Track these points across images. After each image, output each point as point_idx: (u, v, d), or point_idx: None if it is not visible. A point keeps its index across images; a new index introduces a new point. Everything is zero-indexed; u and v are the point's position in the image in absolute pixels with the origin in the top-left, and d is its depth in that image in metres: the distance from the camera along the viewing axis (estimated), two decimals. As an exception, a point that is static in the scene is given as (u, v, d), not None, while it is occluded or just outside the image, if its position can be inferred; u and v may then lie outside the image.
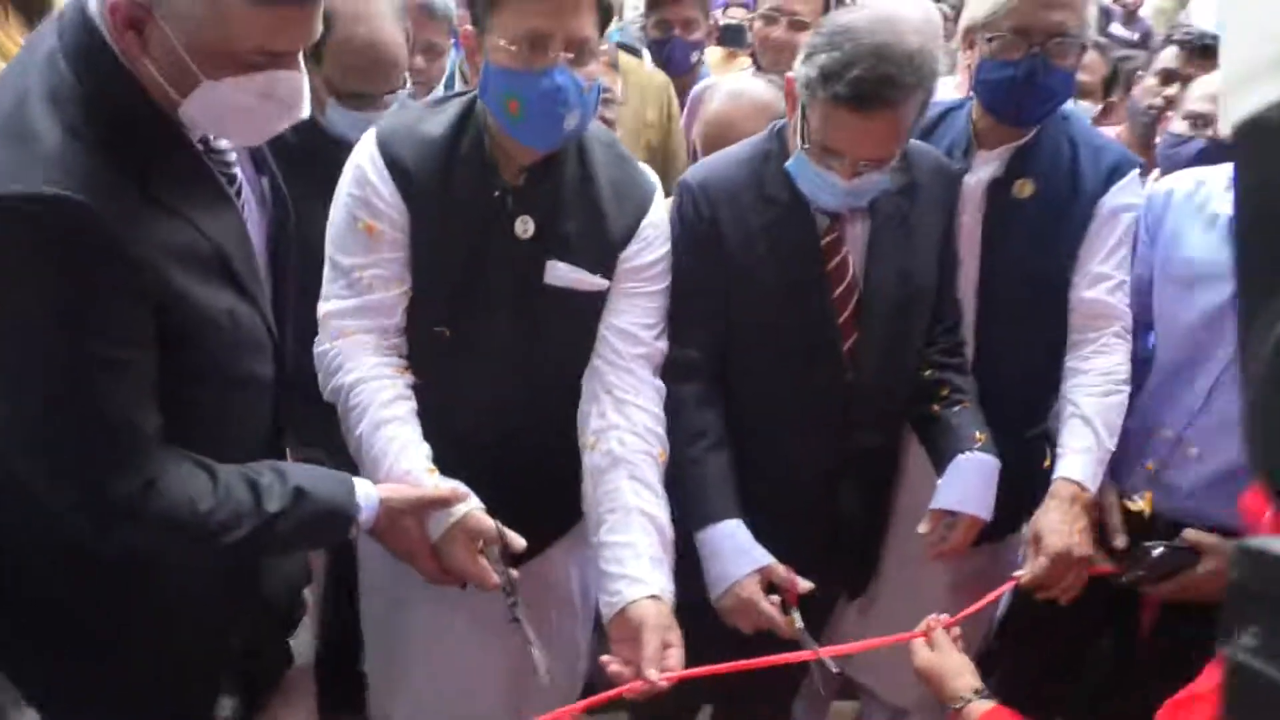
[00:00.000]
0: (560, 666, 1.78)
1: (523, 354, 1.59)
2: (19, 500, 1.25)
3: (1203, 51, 2.63)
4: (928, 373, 1.82)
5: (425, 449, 1.49)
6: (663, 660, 1.38)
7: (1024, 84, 1.74)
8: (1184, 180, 1.86)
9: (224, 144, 1.33)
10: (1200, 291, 1.75)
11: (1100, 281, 1.83)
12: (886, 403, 1.79)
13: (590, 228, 1.56)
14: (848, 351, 1.71)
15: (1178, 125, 2.22)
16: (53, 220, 1.09)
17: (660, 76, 2.75)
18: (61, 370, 1.15)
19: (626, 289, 1.61)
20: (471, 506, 1.44)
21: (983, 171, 1.85)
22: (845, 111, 1.50)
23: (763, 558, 1.60)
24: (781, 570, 1.59)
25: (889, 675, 2.07)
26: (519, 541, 1.45)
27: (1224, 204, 1.75)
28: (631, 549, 1.47)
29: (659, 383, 1.64)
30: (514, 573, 1.45)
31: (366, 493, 1.39)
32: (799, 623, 1.56)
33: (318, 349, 1.57)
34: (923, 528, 1.73)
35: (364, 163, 1.52)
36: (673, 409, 1.66)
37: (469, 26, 1.49)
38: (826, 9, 2.70)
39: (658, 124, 2.74)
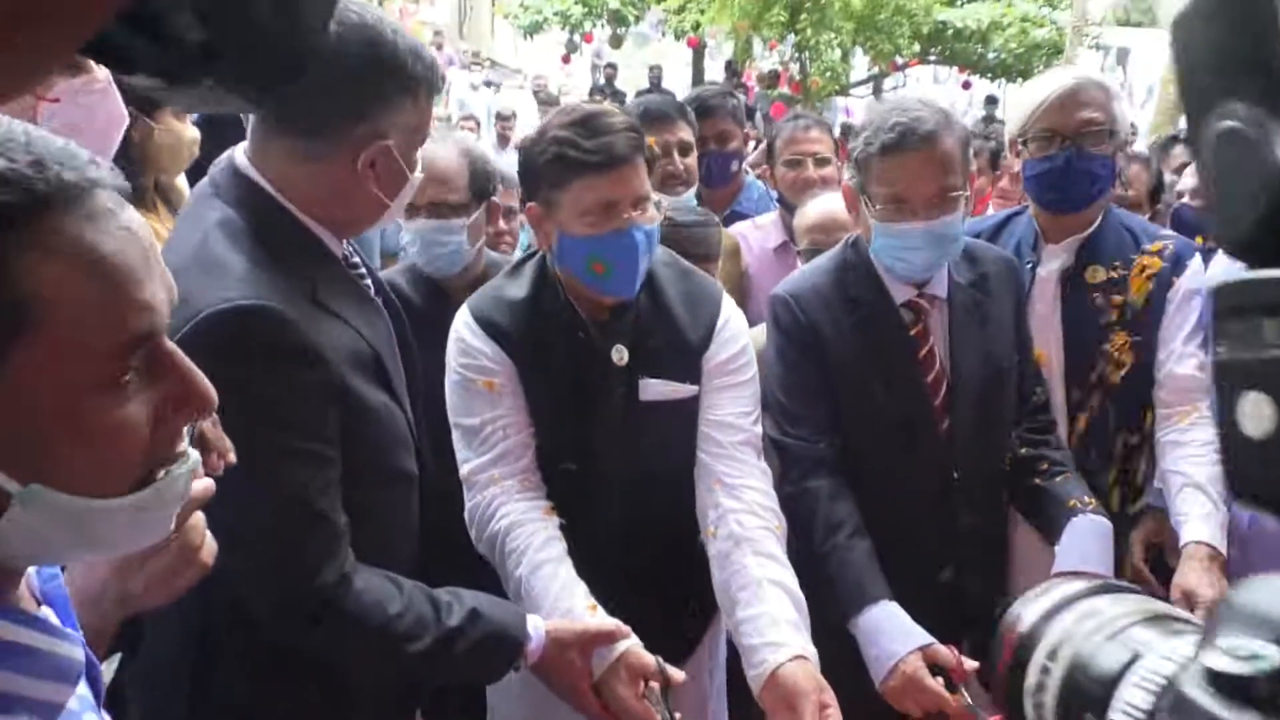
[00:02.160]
0: None
1: (637, 470, 1.67)
2: (223, 609, 1.32)
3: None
4: (1024, 450, 1.90)
5: (583, 588, 1.53)
6: None
7: (1063, 171, 1.93)
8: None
9: (357, 260, 1.49)
10: None
11: (1187, 358, 1.94)
12: (985, 481, 1.86)
13: (671, 341, 1.68)
14: (944, 434, 1.81)
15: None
16: (252, 326, 1.22)
17: (732, 239, 2.93)
18: (266, 465, 1.23)
19: (716, 385, 1.69)
20: (632, 643, 1.45)
21: (1053, 263, 2.00)
22: (895, 156, 1.69)
23: (924, 637, 1.61)
24: (944, 650, 1.60)
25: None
26: (679, 676, 1.46)
27: None
28: (768, 617, 1.49)
29: (764, 464, 1.70)
30: (678, 716, 1.44)
31: (535, 623, 1.42)
32: (966, 699, 1.55)
33: (468, 505, 1.64)
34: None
35: (464, 333, 1.66)
36: (809, 504, 1.73)
37: (532, 204, 1.63)
38: (836, 148, 2.97)
39: (734, 277, 2.91)
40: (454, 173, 2.06)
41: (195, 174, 2.51)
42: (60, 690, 0.67)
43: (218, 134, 2.74)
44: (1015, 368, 1.88)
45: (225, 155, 1.40)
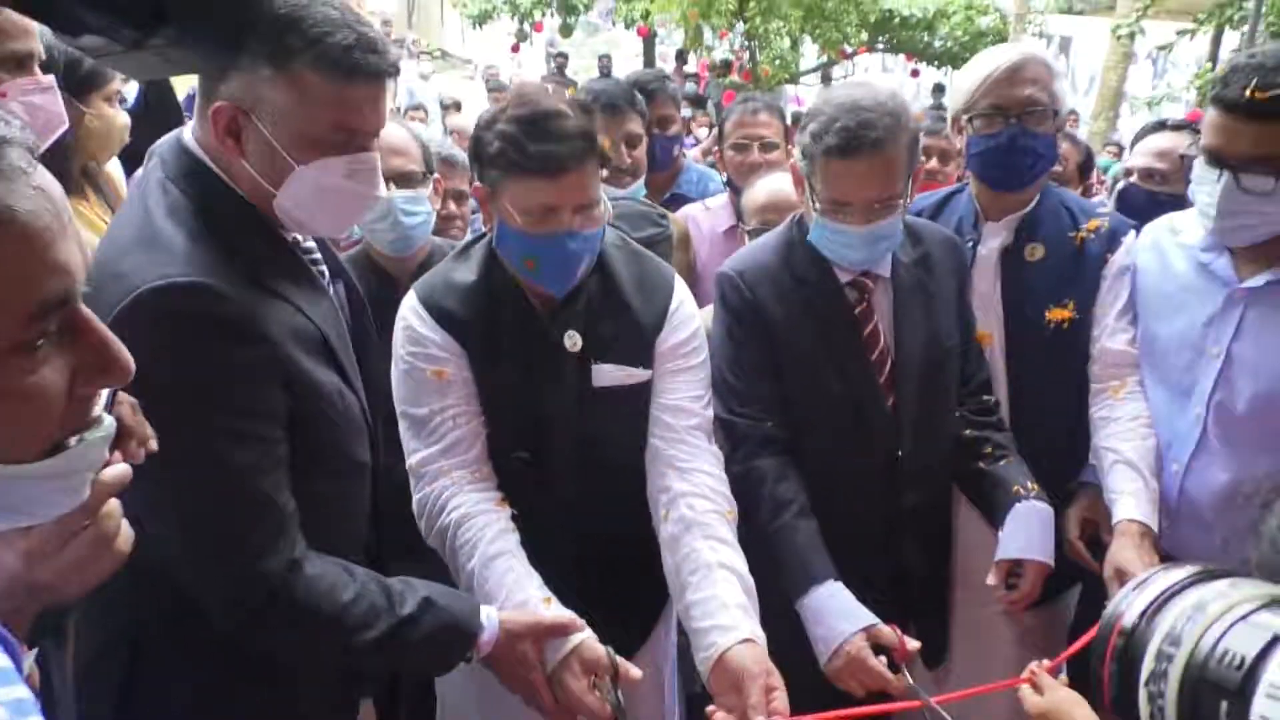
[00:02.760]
0: None
1: (590, 456, 1.65)
2: (157, 604, 1.30)
3: (1177, 129, 2.90)
4: (968, 432, 1.91)
5: (537, 579, 1.52)
6: (768, 704, 1.37)
7: (1008, 149, 1.94)
8: (1157, 224, 2.01)
9: (310, 244, 1.45)
10: (1180, 316, 1.86)
11: (1119, 333, 1.97)
12: (929, 459, 1.87)
13: (624, 326, 1.66)
14: (889, 412, 1.81)
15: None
16: (190, 304, 1.19)
17: (682, 226, 2.91)
18: (205, 447, 1.21)
19: (669, 369, 1.68)
20: (586, 636, 1.44)
21: (993, 241, 2.02)
22: (840, 161, 1.67)
23: (867, 618, 1.62)
24: (887, 630, 1.61)
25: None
26: (634, 672, 1.44)
27: (1194, 235, 1.87)
28: (717, 600, 1.48)
29: (715, 449, 1.70)
30: (621, 697, 1.43)
31: (488, 614, 1.41)
32: (909, 679, 1.56)
33: (416, 497, 1.61)
34: (991, 579, 1.78)
35: (412, 320, 1.62)
36: (755, 482, 1.73)
37: (479, 185, 1.59)
38: (786, 131, 2.95)
39: (682, 265, 2.89)
40: (407, 143, 2.06)
41: (129, 160, 2.47)
42: None
43: (153, 119, 2.68)
44: (958, 346, 1.90)
45: (172, 133, 1.37)
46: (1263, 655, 0.61)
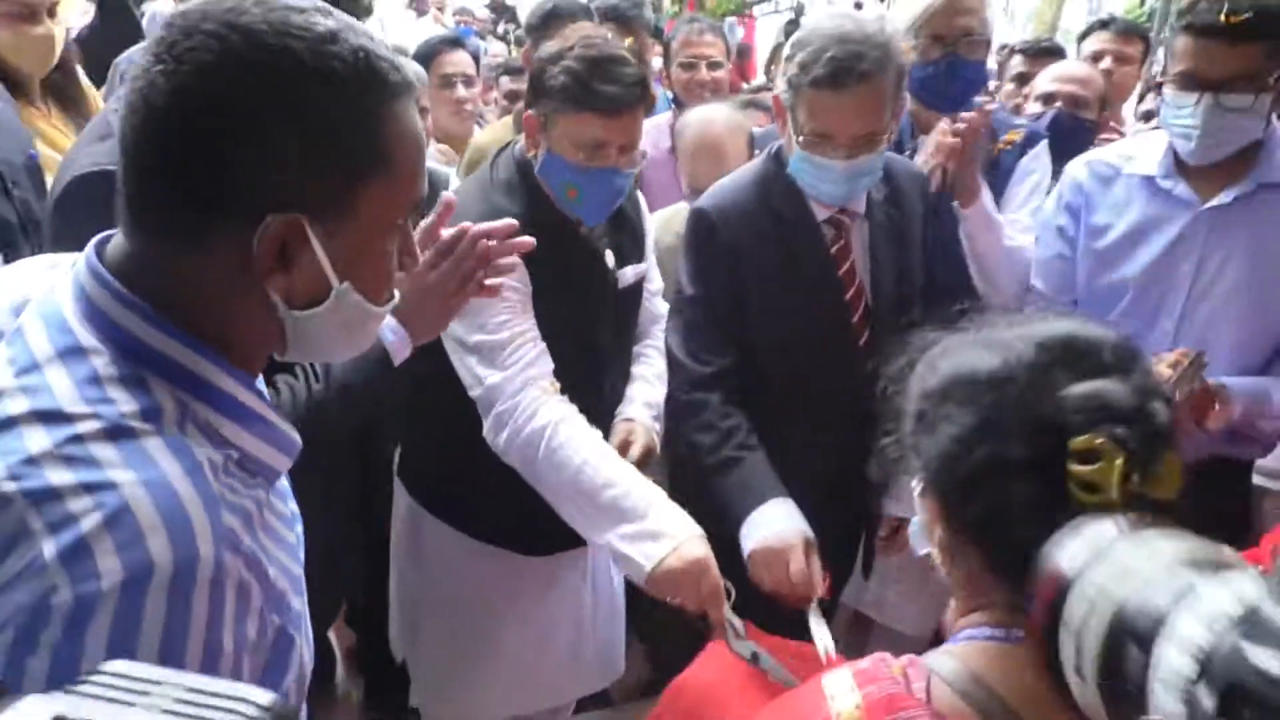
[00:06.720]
0: (601, 647, 2.03)
1: (617, 347, 1.96)
2: None
3: (1042, 53, 3.11)
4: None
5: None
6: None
7: (945, 77, 2.13)
8: (1106, 155, 2.04)
9: None
10: (1143, 245, 1.93)
11: (1015, 225, 2.13)
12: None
13: (630, 231, 1.93)
14: (862, 348, 1.81)
15: (1032, 106, 2.72)
16: (112, 191, 1.26)
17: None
18: None
19: (649, 261, 2.03)
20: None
21: (923, 155, 2.16)
22: (827, 93, 1.64)
23: (810, 532, 1.65)
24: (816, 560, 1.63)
25: (895, 609, 2.32)
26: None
27: (1151, 165, 1.92)
28: (627, 398, 1.94)
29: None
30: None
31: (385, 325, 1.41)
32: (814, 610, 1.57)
33: (498, 410, 1.68)
34: (883, 532, 2.03)
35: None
36: (703, 416, 1.77)
37: (531, 111, 1.70)
38: (727, 51, 3.10)
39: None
40: None
41: (98, 68, 2.47)
42: (283, 461, 0.84)
43: (109, 36, 2.69)
44: (923, 284, 1.91)
45: (137, 48, 1.50)
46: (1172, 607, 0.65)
